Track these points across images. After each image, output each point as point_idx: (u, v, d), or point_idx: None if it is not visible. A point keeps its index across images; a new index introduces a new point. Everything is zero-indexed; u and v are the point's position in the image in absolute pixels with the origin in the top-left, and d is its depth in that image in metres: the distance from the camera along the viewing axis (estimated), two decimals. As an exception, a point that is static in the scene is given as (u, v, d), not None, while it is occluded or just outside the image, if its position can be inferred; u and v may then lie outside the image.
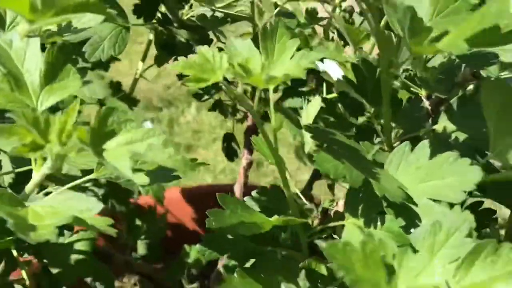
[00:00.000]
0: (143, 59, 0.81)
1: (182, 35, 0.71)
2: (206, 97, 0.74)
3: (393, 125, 0.45)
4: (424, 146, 0.40)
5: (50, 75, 0.37)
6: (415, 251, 0.31)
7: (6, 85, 0.36)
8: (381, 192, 0.36)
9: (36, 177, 0.34)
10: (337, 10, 0.59)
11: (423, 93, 0.49)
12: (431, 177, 0.39)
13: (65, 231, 0.50)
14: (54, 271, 0.50)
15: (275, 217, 0.38)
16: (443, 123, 0.44)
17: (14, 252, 0.47)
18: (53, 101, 0.37)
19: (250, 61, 0.35)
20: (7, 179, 0.47)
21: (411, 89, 0.47)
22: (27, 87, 0.36)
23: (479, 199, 0.45)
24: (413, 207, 0.38)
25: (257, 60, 0.36)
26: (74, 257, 0.49)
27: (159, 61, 0.73)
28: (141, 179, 0.37)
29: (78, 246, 0.51)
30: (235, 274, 0.39)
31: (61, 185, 0.38)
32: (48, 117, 0.31)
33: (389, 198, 0.36)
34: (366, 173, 0.37)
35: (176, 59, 0.77)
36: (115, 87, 0.77)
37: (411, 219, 0.38)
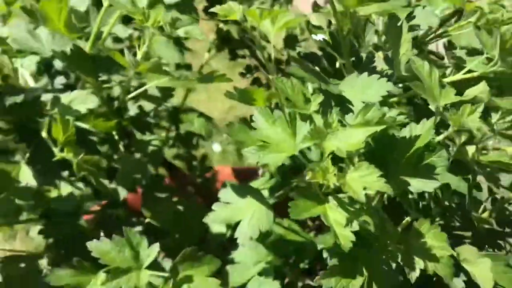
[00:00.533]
0: (208, 50, 1.14)
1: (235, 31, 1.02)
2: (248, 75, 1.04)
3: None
4: (364, 75, 0.67)
5: None
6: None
7: None
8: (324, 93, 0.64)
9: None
10: None
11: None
12: (364, 89, 0.65)
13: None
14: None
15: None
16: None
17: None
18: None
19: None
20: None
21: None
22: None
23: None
24: (349, 105, 0.65)
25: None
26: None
27: (218, 49, 1.05)
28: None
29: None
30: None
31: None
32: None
33: (334, 99, 0.64)
34: (323, 82, 0.65)
35: (231, 52, 1.10)
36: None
37: (348, 110, 0.65)
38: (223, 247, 0.81)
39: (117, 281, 0.57)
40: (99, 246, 0.59)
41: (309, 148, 0.66)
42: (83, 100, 0.64)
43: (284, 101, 0.55)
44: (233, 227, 0.77)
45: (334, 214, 0.53)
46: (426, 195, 0.68)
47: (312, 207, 0.53)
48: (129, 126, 0.80)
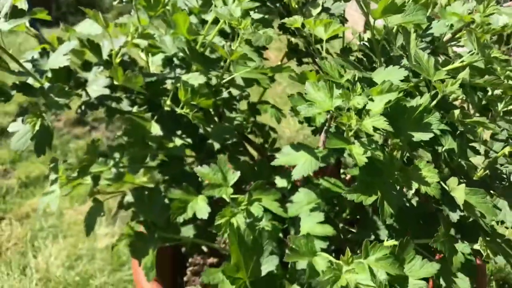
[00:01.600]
0: (281, 59, 1.46)
1: (303, 44, 1.33)
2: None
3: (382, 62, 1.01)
4: (389, 67, 0.95)
5: None
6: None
7: None
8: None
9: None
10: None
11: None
12: (388, 75, 0.93)
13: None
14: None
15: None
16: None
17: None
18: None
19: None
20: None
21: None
22: None
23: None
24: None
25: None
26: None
27: (288, 57, 1.36)
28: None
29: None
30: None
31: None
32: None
33: (366, 82, 0.92)
34: (357, 69, 0.93)
35: (299, 60, 1.40)
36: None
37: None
38: (284, 195, 1.09)
39: (212, 191, 0.88)
40: (201, 170, 0.90)
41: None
42: (195, 78, 0.96)
43: (325, 76, 0.84)
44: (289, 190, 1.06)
45: (355, 149, 0.81)
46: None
47: (341, 144, 0.81)
48: (221, 106, 1.12)
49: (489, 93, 1.09)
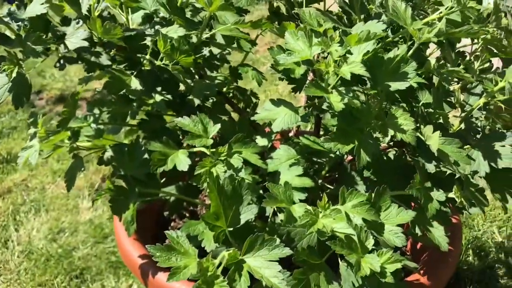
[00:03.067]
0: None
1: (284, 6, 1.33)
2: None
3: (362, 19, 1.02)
4: (368, 22, 0.95)
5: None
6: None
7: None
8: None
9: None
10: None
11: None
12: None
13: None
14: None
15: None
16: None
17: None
18: None
19: None
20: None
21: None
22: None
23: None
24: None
25: None
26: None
27: (270, 21, 1.36)
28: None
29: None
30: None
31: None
32: None
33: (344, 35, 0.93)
34: (336, 23, 0.94)
35: (280, 23, 1.40)
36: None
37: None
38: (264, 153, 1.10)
39: (193, 141, 0.88)
40: (181, 120, 0.91)
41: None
42: (175, 30, 0.96)
43: (304, 25, 0.85)
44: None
45: (333, 97, 0.82)
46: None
47: (319, 92, 0.82)
48: (202, 64, 1.12)
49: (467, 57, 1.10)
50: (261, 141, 1.11)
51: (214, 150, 0.91)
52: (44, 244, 2.09)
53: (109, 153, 1.03)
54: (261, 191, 1.04)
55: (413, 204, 0.96)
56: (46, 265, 1.98)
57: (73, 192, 2.38)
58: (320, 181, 1.11)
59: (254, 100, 1.43)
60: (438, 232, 0.88)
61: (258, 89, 2.92)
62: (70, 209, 2.30)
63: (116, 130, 1.13)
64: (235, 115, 1.31)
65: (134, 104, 1.02)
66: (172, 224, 1.40)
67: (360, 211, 0.80)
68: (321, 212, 0.80)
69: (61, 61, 0.98)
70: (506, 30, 0.83)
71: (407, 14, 0.84)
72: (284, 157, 1.03)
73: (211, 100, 1.13)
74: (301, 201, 0.92)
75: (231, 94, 1.37)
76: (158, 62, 0.93)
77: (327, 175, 1.12)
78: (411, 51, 0.84)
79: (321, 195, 1.11)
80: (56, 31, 0.97)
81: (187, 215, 1.42)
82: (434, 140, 0.80)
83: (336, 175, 1.12)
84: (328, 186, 1.13)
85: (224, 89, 1.35)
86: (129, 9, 1.10)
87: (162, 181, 1.15)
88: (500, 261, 1.94)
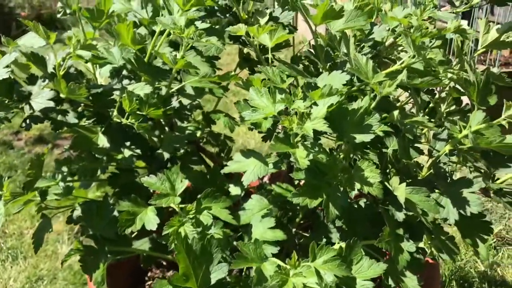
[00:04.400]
0: (234, 70, 1.47)
1: (254, 53, 1.34)
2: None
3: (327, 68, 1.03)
4: (333, 72, 0.97)
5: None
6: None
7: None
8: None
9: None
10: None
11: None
12: (331, 80, 0.95)
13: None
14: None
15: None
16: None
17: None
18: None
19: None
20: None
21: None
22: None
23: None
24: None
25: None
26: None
27: (240, 67, 1.37)
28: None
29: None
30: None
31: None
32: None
33: (310, 87, 0.93)
34: (301, 75, 0.94)
35: (251, 69, 1.41)
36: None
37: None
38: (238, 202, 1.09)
39: (160, 201, 0.87)
40: (148, 180, 0.90)
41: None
42: (141, 88, 0.96)
43: (268, 81, 0.85)
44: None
45: (299, 152, 0.82)
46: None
47: (284, 147, 0.82)
48: (172, 115, 1.12)
49: (436, 96, 1.12)
50: (234, 190, 1.10)
51: (183, 206, 0.91)
52: (21, 294, 2.04)
53: (78, 212, 1.01)
54: (235, 242, 1.03)
55: (387, 252, 0.96)
56: (23, 318, 1.93)
57: (52, 237, 2.33)
58: (294, 229, 1.10)
59: (229, 143, 1.43)
60: (411, 282, 0.87)
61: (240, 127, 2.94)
62: (49, 255, 2.25)
63: (86, 185, 1.11)
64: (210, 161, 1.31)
65: (104, 158, 1.01)
66: (149, 274, 1.38)
67: (331, 266, 0.79)
68: (291, 270, 0.79)
69: (27, 121, 0.97)
70: (465, 81, 0.84)
71: (368, 68, 0.85)
72: (256, 208, 1.02)
73: (182, 151, 1.12)
74: (274, 255, 0.91)
75: (205, 140, 1.37)
76: (124, 121, 0.93)
77: (301, 222, 1.12)
78: (374, 103, 0.85)
79: (296, 243, 1.11)
80: (22, 92, 0.96)
81: (165, 263, 1.39)
82: (401, 191, 0.80)
83: (311, 222, 1.11)
84: (303, 234, 1.12)
85: (198, 135, 1.35)
86: (97, 64, 1.10)
87: (134, 234, 1.13)
88: (484, 291, 1.93)
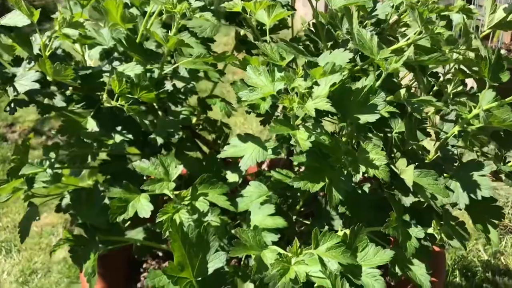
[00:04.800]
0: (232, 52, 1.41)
1: (251, 34, 1.28)
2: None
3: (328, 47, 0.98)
4: (334, 51, 0.91)
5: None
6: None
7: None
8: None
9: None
10: None
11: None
12: (333, 59, 0.89)
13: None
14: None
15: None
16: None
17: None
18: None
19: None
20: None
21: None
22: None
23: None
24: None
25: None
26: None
27: (237, 49, 1.31)
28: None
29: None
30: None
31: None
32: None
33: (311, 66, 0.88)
34: (301, 53, 0.89)
35: (248, 51, 1.36)
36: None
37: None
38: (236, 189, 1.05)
39: (153, 186, 0.82)
40: (140, 164, 0.85)
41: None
42: (132, 68, 0.91)
43: (266, 59, 0.80)
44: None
45: (300, 134, 0.77)
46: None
47: (284, 129, 0.77)
48: (166, 99, 1.06)
49: (441, 78, 1.07)
50: (231, 177, 1.06)
51: (177, 193, 0.86)
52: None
53: (67, 200, 0.96)
54: (233, 231, 0.99)
55: (392, 239, 0.91)
56: (16, 312, 1.88)
57: (46, 229, 2.29)
58: (294, 217, 1.05)
59: (226, 130, 1.38)
60: (419, 270, 0.83)
61: (237, 113, 2.88)
62: (43, 248, 2.20)
63: (77, 173, 1.06)
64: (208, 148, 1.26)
65: (95, 144, 0.96)
66: (144, 265, 1.33)
67: (335, 254, 0.75)
68: (293, 257, 0.74)
69: (12, 105, 0.91)
70: (476, 56, 0.79)
71: (373, 43, 0.80)
72: (255, 195, 0.98)
73: (177, 136, 1.07)
74: (274, 243, 0.87)
75: (200, 127, 1.32)
76: (113, 103, 0.87)
77: (302, 209, 1.07)
78: (379, 81, 0.80)
79: (297, 231, 1.06)
80: (5, 73, 0.91)
81: (160, 254, 1.35)
82: (408, 174, 0.76)
83: (312, 210, 1.06)
84: (304, 221, 1.08)
85: (194, 121, 1.30)
86: (86, 45, 1.04)
87: (127, 224, 1.08)
88: (487, 280, 1.90)
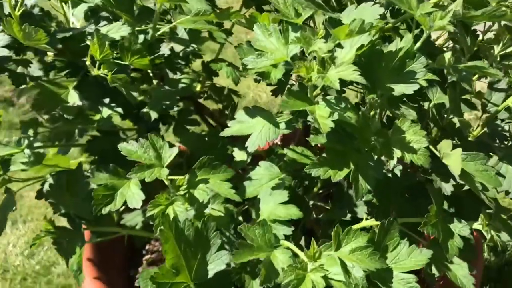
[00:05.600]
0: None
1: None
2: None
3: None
4: (361, 5, 0.75)
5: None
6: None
7: None
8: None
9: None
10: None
11: None
12: (360, 15, 0.73)
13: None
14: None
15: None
16: None
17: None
18: None
19: None
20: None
21: None
22: None
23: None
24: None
25: None
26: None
27: (246, 5, 1.15)
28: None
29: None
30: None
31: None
32: None
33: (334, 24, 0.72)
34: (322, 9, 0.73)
35: (258, 7, 1.18)
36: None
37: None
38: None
39: (141, 173, 0.68)
40: (127, 147, 0.71)
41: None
42: (117, 29, 0.76)
43: (278, 15, 0.64)
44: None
45: (320, 111, 0.62)
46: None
47: (300, 105, 0.62)
48: (162, 65, 0.92)
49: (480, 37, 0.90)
50: (239, 155, 0.92)
51: (173, 178, 0.72)
52: (21, 260, 1.92)
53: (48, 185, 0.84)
54: (240, 218, 0.86)
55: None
56: (22, 285, 1.82)
57: (53, 200, 2.20)
58: (311, 201, 0.91)
59: (235, 99, 1.23)
60: (461, 271, 0.69)
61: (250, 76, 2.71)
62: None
63: (64, 151, 0.93)
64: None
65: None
66: (147, 247, 1.22)
67: (361, 257, 0.61)
68: (309, 262, 0.61)
69: (-21, 74, 0.78)
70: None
71: (411, -5, 0.64)
72: (265, 177, 0.84)
73: (176, 109, 0.93)
74: (286, 237, 0.73)
75: (205, 95, 1.17)
76: (95, 71, 0.73)
77: (320, 192, 0.93)
78: (419, 43, 0.64)
79: (314, 218, 0.93)
80: (-31, 38, 0.77)
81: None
82: (455, 160, 0.61)
83: (331, 191, 0.93)
84: (323, 205, 0.94)
85: (198, 88, 1.15)
86: (69, 3, 0.89)
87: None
88: (518, 256, 1.76)
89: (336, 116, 0.60)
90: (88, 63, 0.78)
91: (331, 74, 0.59)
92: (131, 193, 0.73)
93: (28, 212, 2.15)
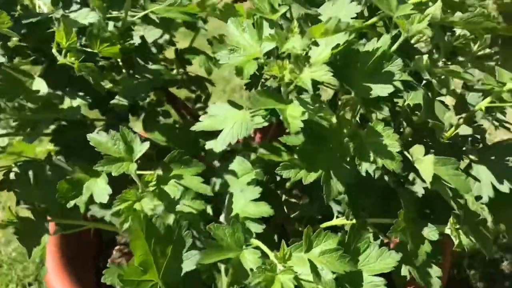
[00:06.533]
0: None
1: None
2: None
3: None
4: (338, 1, 0.73)
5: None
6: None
7: None
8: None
9: None
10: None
11: None
12: (337, 12, 0.72)
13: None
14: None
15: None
16: None
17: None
18: None
19: None
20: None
21: None
22: None
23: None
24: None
25: None
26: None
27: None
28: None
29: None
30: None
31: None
32: None
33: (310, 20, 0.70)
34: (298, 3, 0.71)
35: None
36: None
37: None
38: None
39: (108, 166, 0.66)
40: (96, 137, 0.68)
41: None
42: (85, 15, 0.73)
43: (253, 10, 0.62)
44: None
45: (291, 110, 0.60)
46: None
47: (271, 103, 0.61)
48: (133, 54, 0.89)
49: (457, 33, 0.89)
50: (212, 145, 0.90)
51: (142, 173, 0.70)
52: (-4, 248, 1.88)
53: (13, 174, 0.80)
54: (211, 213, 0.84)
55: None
56: (-4, 273, 1.78)
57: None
58: (284, 196, 0.91)
59: (209, 87, 1.20)
60: (429, 273, 0.69)
61: (221, 82, 2.66)
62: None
63: (31, 139, 0.90)
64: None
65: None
66: (117, 238, 1.20)
67: (331, 259, 0.61)
68: (279, 264, 0.60)
69: None
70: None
71: (390, -5, 0.62)
72: (238, 172, 0.82)
73: (148, 99, 0.90)
74: (257, 235, 0.72)
75: (179, 84, 1.15)
76: (62, 60, 0.70)
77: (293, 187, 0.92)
78: (396, 45, 0.63)
79: (286, 214, 0.92)
80: None
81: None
82: (426, 166, 0.60)
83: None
84: (295, 202, 0.93)
85: (173, 76, 1.12)
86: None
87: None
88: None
89: (306, 116, 0.58)
90: (54, 50, 0.75)
91: (305, 75, 0.57)
92: (98, 187, 0.71)
93: (7, 199, 2.10)
